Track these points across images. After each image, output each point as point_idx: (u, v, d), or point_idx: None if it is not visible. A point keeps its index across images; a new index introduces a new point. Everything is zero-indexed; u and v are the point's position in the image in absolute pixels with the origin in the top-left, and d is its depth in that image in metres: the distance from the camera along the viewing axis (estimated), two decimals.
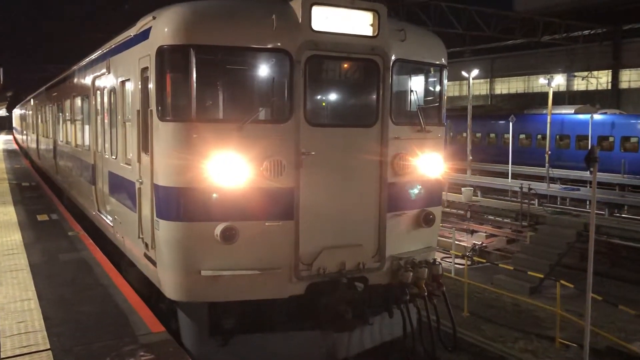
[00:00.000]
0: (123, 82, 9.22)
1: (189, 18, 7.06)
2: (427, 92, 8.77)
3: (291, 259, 7.30)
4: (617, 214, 24.19)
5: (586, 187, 27.01)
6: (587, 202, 25.04)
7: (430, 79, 8.74)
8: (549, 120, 29.57)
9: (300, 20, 7.16)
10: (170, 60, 7.13)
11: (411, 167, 8.02)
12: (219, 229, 6.92)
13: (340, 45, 7.40)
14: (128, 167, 8.82)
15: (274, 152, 7.08)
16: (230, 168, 6.88)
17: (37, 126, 26.11)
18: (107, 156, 10.61)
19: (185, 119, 6.98)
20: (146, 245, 7.93)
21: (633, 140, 31.33)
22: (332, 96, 8.21)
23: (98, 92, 11.45)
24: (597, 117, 32.20)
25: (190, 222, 7.05)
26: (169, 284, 7.37)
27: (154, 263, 7.66)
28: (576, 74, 48.74)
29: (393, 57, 7.75)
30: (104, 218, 11.01)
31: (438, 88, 8.68)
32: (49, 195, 18.87)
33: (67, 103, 15.98)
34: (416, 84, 8.61)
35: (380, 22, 7.54)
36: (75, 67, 15.19)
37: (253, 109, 7.31)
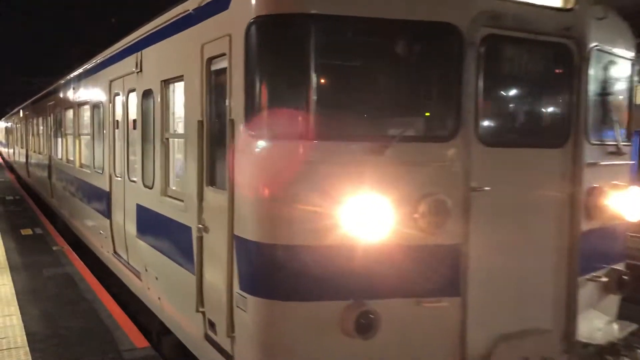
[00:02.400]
0: (167, 82, 6.64)
1: None
2: (618, 96, 6.32)
3: (455, 357, 4.82)
4: None
5: None
6: None
7: (623, 79, 6.21)
8: None
9: None
10: (272, 41, 4.63)
11: (609, 206, 5.57)
12: (351, 313, 4.40)
13: (525, 22, 4.95)
14: (177, 205, 6.25)
15: (433, 187, 4.60)
16: (368, 214, 4.37)
17: (27, 140, 23.95)
18: (134, 184, 7.94)
19: (297, 135, 4.47)
20: (210, 324, 5.45)
21: None
22: (511, 100, 5.63)
23: (118, 97, 8.79)
24: None
25: (303, 303, 4.53)
26: None
27: (228, 357, 5.11)
28: None
29: (591, 44, 5.31)
30: (126, 265, 8.42)
31: (628, 91, 6.27)
32: (33, 210, 18.69)
33: (69, 113, 13.42)
34: (608, 85, 6.04)
35: None
36: (80, 70, 12.48)
37: (402, 119, 4.90)
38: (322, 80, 4.62)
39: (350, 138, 4.57)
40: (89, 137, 11.17)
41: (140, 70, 7.54)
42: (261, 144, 4.58)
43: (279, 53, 4.65)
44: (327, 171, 4.47)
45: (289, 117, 4.59)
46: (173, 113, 6.70)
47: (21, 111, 27.92)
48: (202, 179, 5.49)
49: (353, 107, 4.82)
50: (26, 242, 13.17)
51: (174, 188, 6.64)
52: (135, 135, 7.85)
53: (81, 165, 11.97)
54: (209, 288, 5.43)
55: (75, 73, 12.98)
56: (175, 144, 6.72)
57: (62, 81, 14.95)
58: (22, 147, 26.94)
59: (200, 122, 5.45)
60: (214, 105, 5.39)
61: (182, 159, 6.29)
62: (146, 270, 7.37)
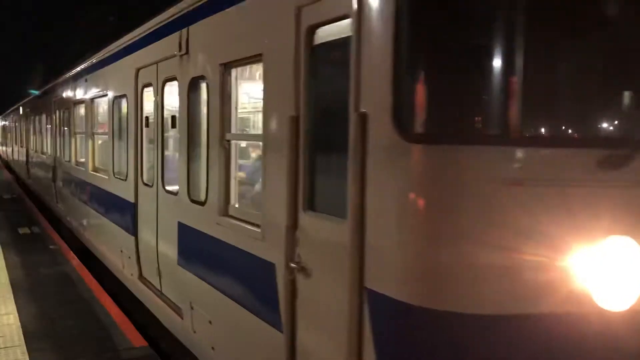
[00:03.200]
0: (229, 66, 5.07)
1: None
2: None
3: None
4: None
5: None
6: None
7: None
8: None
9: None
10: None
11: None
12: None
13: None
14: (248, 231, 4.67)
15: None
16: (606, 265, 2.85)
17: (28, 138, 22.82)
18: (173, 196, 6.41)
19: (488, 137, 3.01)
20: None
21: None
22: None
23: (149, 89, 7.32)
24: None
25: None
26: None
27: None
28: None
29: None
30: (158, 294, 6.93)
31: None
32: (31, 208, 18.66)
33: (80, 109, 12.02)
34: None
35: None
36: (93, 60, 10.82)
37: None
38: (529, 53, 2.95)
39: (569, 143, 3.07)
40: (106, 136, 9.63)
41: (186, 53, 5.93)
42: (425, 150, 2.94)
43: (463, 12, 3.05)
44: (535, 194, 2.88)
45: (474, 110, 3.05)
46: (237, 107, 5.18)
47: (21, 108, 26.88)
48: (295, 198, 3.90)
49: (574, 96, 3.22)
50: (24, 241, 13.14)
51: (236, 206, 5.13)
52: (176, 135, 6.41)
53: (95, 169, 10.51)
54: (309, 355, 3.86)
55: (88, 63, 11.32)
56: (240, 148, 5.39)
57: (70, 74, 13.29)
58: (21, 146, 26.08)
59: (294, 119, 3.88)
60: (317, 94, 3.82)
61: (256, 168, 5.02)
62: (192, 308, 5.83)
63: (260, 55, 4.42)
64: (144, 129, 7.55)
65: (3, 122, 42.95)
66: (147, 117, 7.46)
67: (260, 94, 4.51)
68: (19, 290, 9.12)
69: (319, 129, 3.83)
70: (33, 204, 19.67)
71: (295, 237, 3.92)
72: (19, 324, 7.56)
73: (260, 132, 4.60)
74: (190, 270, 5.89)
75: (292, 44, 3.90)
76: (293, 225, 3.93)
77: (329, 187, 3.77)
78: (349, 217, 3.27)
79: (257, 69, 4.83)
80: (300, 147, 3.85)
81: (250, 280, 4.72)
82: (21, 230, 14.43)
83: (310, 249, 3.82)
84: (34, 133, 20.65)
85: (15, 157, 30.23)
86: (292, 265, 3.90)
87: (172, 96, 6.47)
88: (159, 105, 6.88)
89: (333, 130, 3.66)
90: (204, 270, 5.62)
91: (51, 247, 12.55)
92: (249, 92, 5.43)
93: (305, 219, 3.85)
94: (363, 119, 3.16)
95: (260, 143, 4.51)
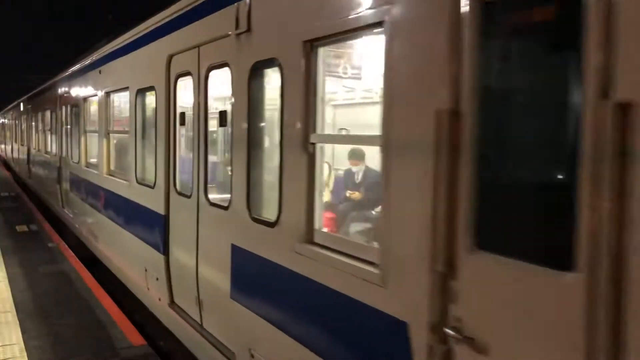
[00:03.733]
0: (314, 45, 3.87)
1: None
2: None
3: None
4: None
5: None
6: None
7: None
8: None
9: None
10: None
11: None
12: None
13: None
14: (349, 267, 3.46)
15: None
16: None
17: (29, 136, 21.79)
18: (222, 211, 5.22)
19: None
20: None
21: None
22: None
23: (185, 79, 6.11)
24: None
25: None
26: None
27: None
28: None
29: None
30: (197, 328, 5.79)
31: None
32: (29, 206, 18.63)
33: (91, 105, 10.97)
34: None
35: None
36: (107, 49, 9.64)
37: None
38: None
39: None
40: (125, 135, 8.56)
41: (248, 30, 4.69)
42: None
43: None
44: None
45: None
46: (323, 99, 3.98)
47: (22, 104, 25.79)
48: (452, 231, 2.69)
49: None
50: (21, 239, 13.10)
51: (324, 230, 4.05)
52: (227, 135, 5.47)
53: (110, 173, 9.39)
54: None
55: (102, 53, 10.11)
56: (331, 153, 4.25)
57: (79, 66, 12.07)
58: (22, 145, 25.33)
59: (450, 113, 2.67)
60: (496, 76, 2.62)
61: (367, 183, 3.98)
62: (252, 356, 4.70)
63: (380, 23, 3.16)
64: (178, 127, 6.38)
65: (2, 120, 42.71)
66: (182, 113, 6.29)
67: (366, 81, 3.31)
68: (17, 288, 9.08)
69: (500, 127, 2.61)
70: (32, 202, 19.63)
71: (451, 289, 2.70)
72: (17, 322, 7.53)
73: (363, 131, 3.37)
74: (252, 308, 4.66)
75: (447, 3, 2.71)
76: (448, 271, 2.70)
77: (524, 216, 2.46)
78: (583, 269, 2.11)
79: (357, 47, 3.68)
80: (461, 155, 2.61)
81: (357, 338, 3.45)
82: (19, 228, 14.41)
83: (483, 310, 2.57)
84: (37, 131, 19.64)
85: (16, 155, 29.64)
86: (447, 330, 2.68)
87: (219, 87, 5.41)
88: (202, 98, 5.60)
89: (535, 128, 2.48)
90: (274, 311, 4.38)
91: (49, 245, 12.54)
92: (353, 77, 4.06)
93: (472, 263, 2.60)
94: (624, 110, 2.06)
95: (380, 149, 3.21)
